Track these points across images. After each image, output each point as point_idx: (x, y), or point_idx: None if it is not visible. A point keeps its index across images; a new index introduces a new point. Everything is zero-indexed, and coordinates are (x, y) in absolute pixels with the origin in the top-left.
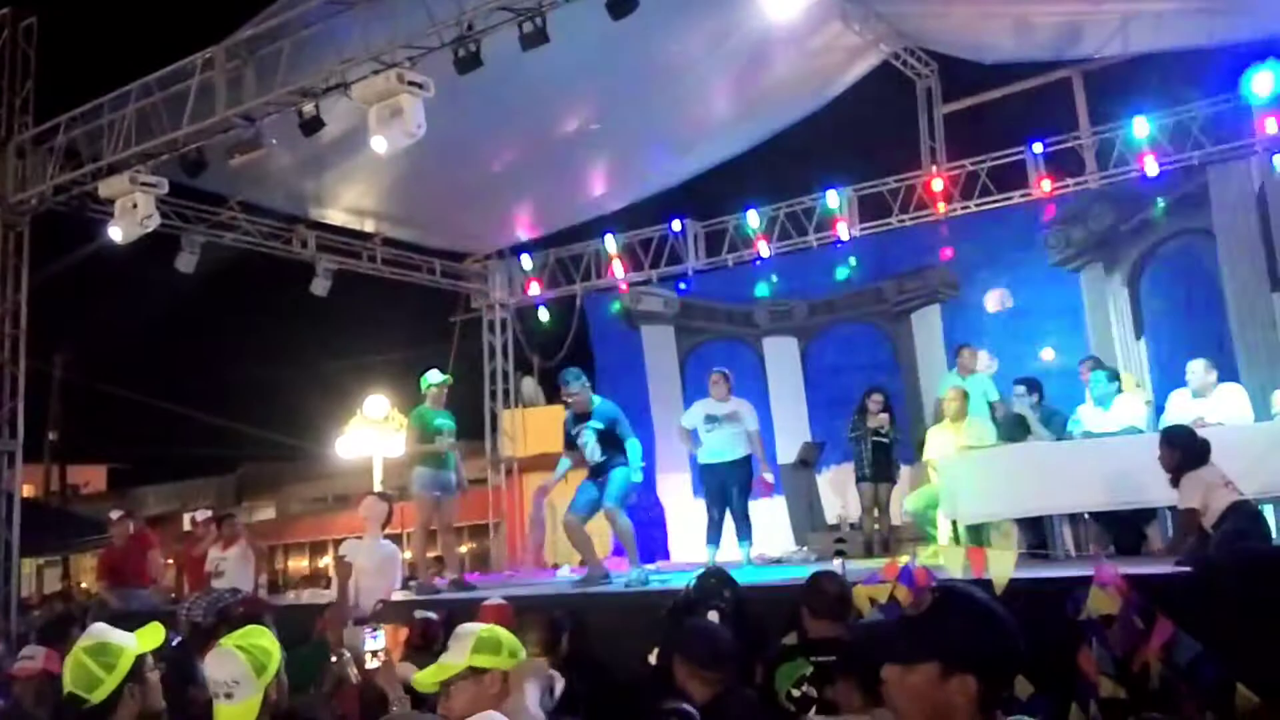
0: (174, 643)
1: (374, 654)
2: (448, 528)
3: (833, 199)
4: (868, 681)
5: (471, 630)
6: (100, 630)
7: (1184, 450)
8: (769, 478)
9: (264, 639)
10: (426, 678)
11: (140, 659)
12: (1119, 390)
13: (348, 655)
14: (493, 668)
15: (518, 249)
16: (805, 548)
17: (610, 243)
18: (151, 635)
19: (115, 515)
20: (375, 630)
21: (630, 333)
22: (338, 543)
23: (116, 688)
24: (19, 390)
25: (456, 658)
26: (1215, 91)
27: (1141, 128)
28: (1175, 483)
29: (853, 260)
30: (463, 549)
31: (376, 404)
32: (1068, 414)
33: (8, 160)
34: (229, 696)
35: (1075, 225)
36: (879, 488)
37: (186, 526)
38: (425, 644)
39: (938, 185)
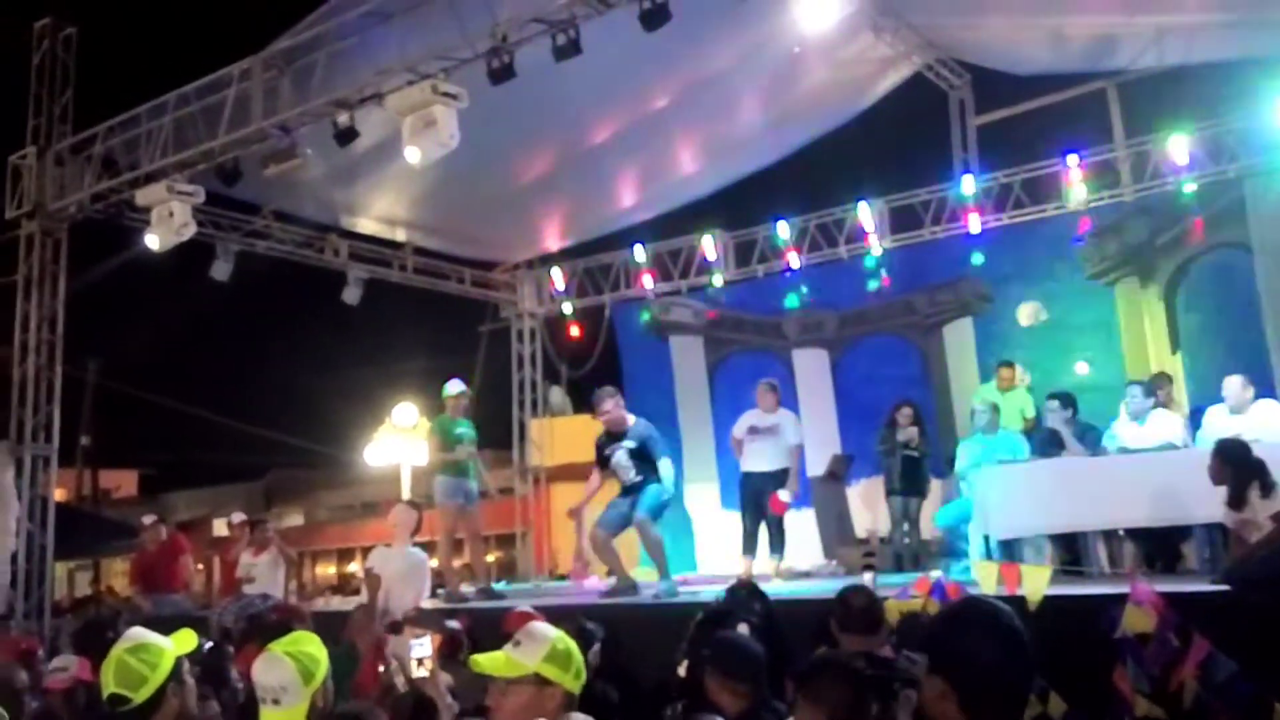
0: (206, 648)
1: (419, 662)
2: (475, 536)
3: (864, 210)
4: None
5: (547, 635)
6: (138, 633)
7: (1236, 465)
8: (784, 496)
9: (312, 646)
10: (493, 665)
11: (179, 660)
12: (1155, 405)
13: (395, 663)
14: (556, 682)
15: (547, 259)
16: (834, 561)
17: (639, 253)
18: (184, 640)
19: (148, 520)
20: (421, 638)
21: (659, 343)
22: (365, 550)
23: (160, 686)
24: (55, 395)
25: (527, 659)
26: (1251, 104)
27: (1177, 140)
28: (1236, 501)
29: (876, 276)
30: (489, 558)
31: (405, 412)
32: (1102, 429)
33: (46, 168)
34: (276, 702)
35: (1110, 238)
36: (909, 501)
37: (216, 531)
38: (451, 652)
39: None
